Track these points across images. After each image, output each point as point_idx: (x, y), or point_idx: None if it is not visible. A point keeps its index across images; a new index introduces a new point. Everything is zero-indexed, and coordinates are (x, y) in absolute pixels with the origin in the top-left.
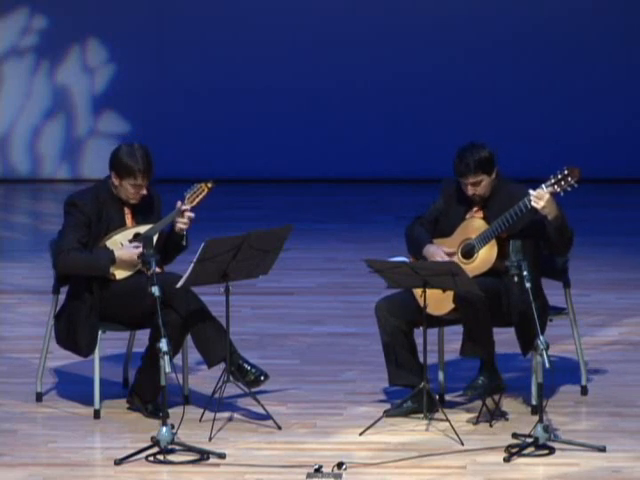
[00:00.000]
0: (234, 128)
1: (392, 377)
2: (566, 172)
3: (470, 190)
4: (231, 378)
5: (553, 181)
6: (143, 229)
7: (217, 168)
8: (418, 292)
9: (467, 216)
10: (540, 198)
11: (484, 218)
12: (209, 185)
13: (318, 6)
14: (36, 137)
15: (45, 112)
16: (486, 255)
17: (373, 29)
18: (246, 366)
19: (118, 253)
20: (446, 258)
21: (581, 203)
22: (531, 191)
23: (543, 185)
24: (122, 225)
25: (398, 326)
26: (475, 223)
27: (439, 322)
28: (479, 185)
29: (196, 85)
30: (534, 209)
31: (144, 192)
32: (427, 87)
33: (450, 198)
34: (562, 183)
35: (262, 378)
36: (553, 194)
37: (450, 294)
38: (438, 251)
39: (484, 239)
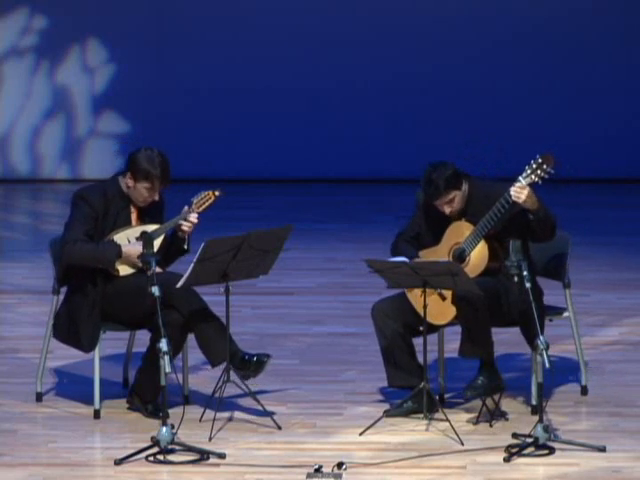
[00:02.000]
0: (234, 128)
1: (391, 379)
2: (540, 160)
3: (447, 209)
4: (232, 377)
5: (529, 171)
6: (150, 228)
7: (217, 168)
8: (417, 297)
9: (451, 222)
10: (520, 192)
11: (468, 221)
12: (216, 193)
13: (318, 6)
14: (36, 137)
15: (45, 112)
16: (478, 256)
17: (373, 29)
18: (247, 357)
19: (125, 248)
20: None
21: (581, 203)
22: (512, 187)
23: (520, 177)
24: (128, 223)
25: (396, 329)
26: (461, 226)
27: (438, 328)
28: (453, 202)
29: (196, 85)
30: (516, 203)
31: (156, 198)
32: (427, 87)
33: (428, 209)
34: (538, 172)
35: (265, 359)
36: (532, 185)
37: (449, 303)
38: None
39: (473, 241)
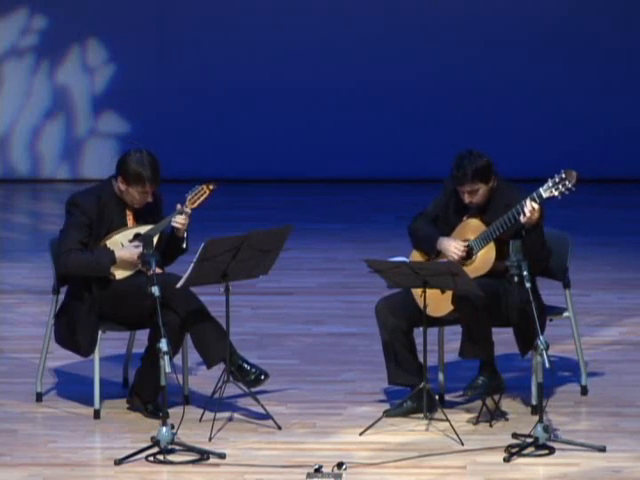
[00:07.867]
0: (234, 128)
1: (391, 376)
2: (563, 175)
3: (467, 198)
4: (231, 378)
5: (551, 185)
6: (143, 229)
7: (217, 168)
8: (418, 293)
9: (464, 217)
10: (534, 212)
11: (482, 221)
12: (210, 187)
13: (318, 6)
14: (36, 137)
15: (45, 112)
16: (485, 257)
17: (373, 29)
18: (246, 366)
19: (119, 253)
20: (462, 247)
21: (582, 203)
22: (527, 203)
23: (541, 190)
24: (123, 226)
25: (399, 326)
26: (473, 224)
27: (439, 322)
28: (476, 193)
29: (196, 85)
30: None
31: (150, 199)
32: (427, 87)
33: (450, 197)
34: (560, 187)
35: (262, 377)
36: (550, 199)
37: (449, 296)
38: (451, 242)
39: (483, 241)
